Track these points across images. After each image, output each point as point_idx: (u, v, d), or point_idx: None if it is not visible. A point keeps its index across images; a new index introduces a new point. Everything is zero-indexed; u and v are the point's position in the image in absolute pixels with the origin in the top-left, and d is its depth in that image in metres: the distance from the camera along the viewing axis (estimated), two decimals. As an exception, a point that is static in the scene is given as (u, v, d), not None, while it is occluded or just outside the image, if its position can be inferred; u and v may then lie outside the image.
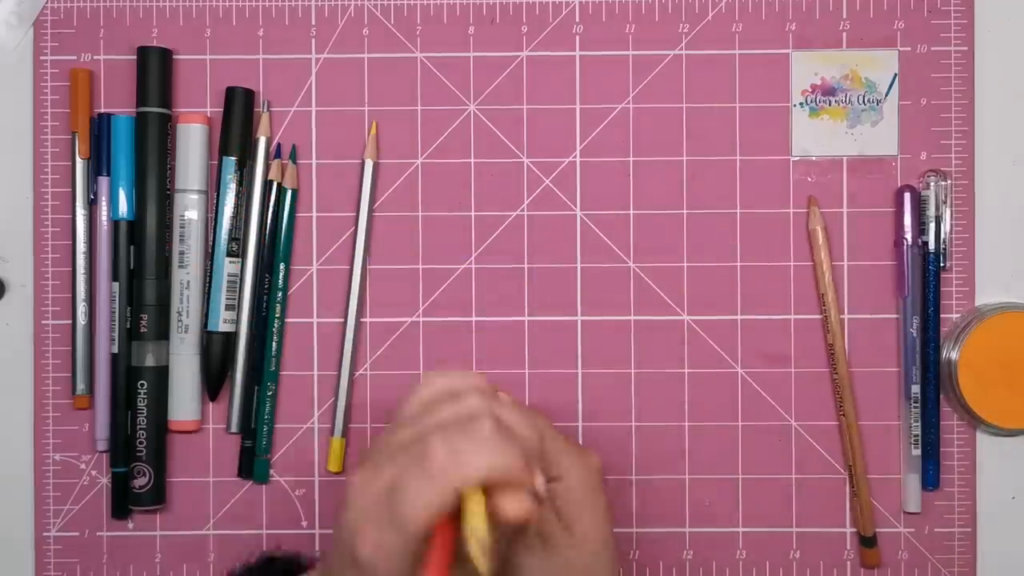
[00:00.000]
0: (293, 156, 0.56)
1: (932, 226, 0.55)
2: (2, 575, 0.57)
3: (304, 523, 0.57)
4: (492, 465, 0.38)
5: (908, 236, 0.55)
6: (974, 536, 0.56)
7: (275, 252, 0.56)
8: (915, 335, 0.55)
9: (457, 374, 0.43)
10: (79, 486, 0.57)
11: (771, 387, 0.56)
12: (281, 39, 0.57)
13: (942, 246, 0.56)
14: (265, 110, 0.56)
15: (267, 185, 0.56)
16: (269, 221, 0.56)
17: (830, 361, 0.56)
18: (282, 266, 0.56)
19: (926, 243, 0.56)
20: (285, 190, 0.56)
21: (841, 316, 0.56)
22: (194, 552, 0.57)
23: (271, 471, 0.57)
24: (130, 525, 0.57)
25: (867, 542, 0.56)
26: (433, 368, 0.57)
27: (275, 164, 0.56)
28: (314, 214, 0.57)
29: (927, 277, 0.55)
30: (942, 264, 0.56)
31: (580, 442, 0.57)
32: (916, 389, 0.55)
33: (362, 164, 0.56)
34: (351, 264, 0.56)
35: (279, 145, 0.57)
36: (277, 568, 0.50)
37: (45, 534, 0.57)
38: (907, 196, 0.55)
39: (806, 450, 0.56)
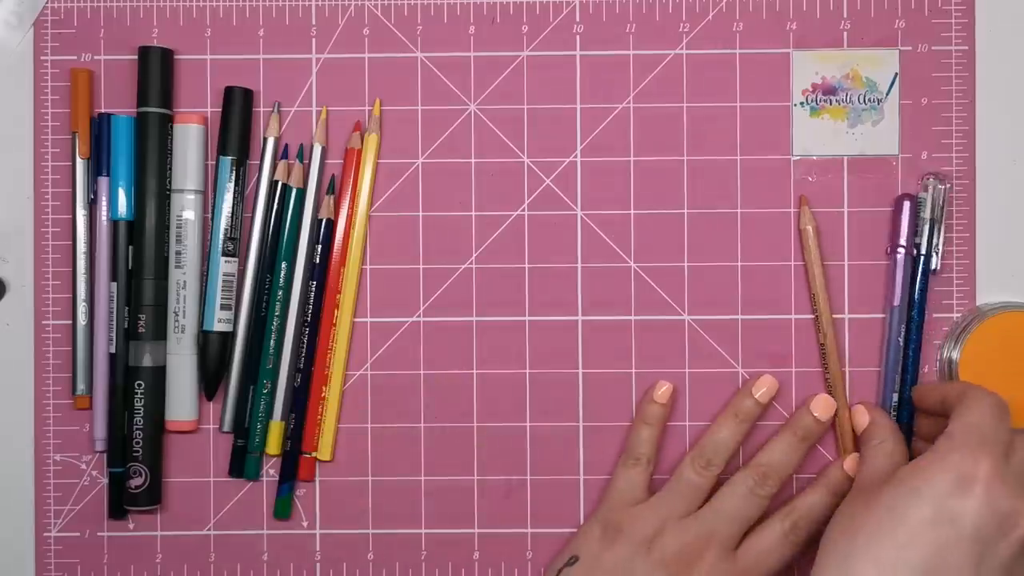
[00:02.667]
0: (300, 156, 0.56)
1: (926, 229, 0.55)
2: (2, 575, 0.57)
3: (305, 523, 0.57)
4: None
5: (903, 244, 0.55)
6: (975, 536, 0.56)
7: (277, 251, 0.56)
8: (901, 343, 0.55)
9: None
10: (79, 486, 0.57)
11: (771, 387, 0.56)
12: (281, 39, 0.57)
13: (934, 250, 0.55)
14: (276, 111, 0.56)
15: (272, 185, 0.56)
16: (273, 220, 0.56)
17: (822, 360, 0.56)
18: (283, 265, 0.56)
19: (918, 245, 0.55)
20: (290, 189, 0.56)
21: (840, 316, 0.56)
22: (194, 552, 0.57)
23: (268, 470, 0.57)
24: (130, 525, 0.57)
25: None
26: (433, 367, 0.57)
27: (281, 164, 0.56)
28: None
29: (916, 282, 0.55)
30: (934, 268, 0.55)
31: (581, 442, 0.57)
32: (895, 397, 0.55)
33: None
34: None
35: (282, 145, 0.57)
36: None
37: (45, 534, 0.57)
38: (906, 205, 0.55)
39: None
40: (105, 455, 0.56)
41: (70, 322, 0.56)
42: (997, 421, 0.47)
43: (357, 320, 0.57)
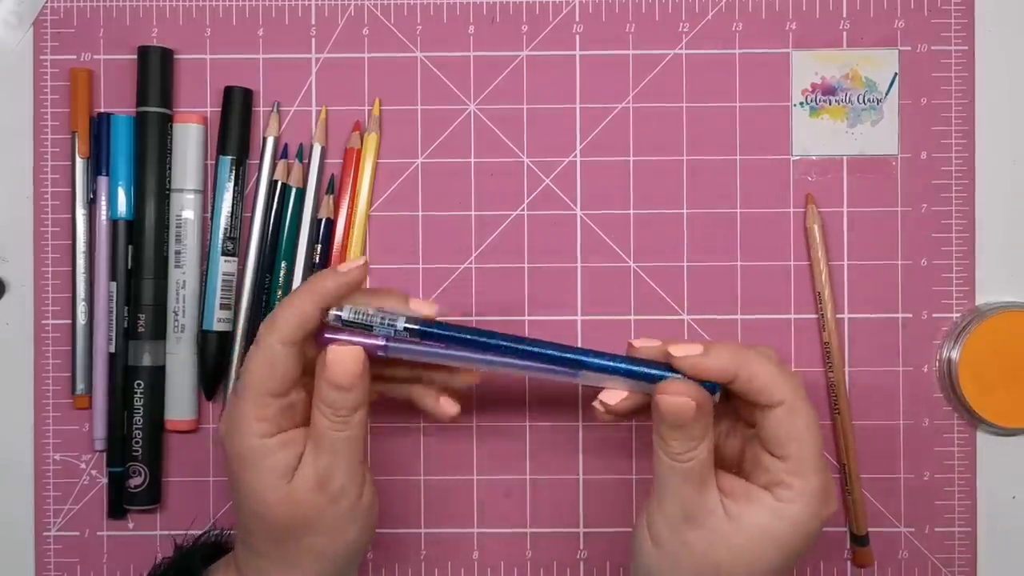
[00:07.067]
0: (300, 155, 0.56)
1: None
2: (2, 575, 0.57)
3: (304, 523, 0.57)
4: (285, 314, 0.45)
5: None
6: (974, 536, 0.56)
7: (277, 251, 0.56)
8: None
9: None
10: (79, 486, 0.57)
11: (771, 387, 0.56)
12: (281, 39, 0.57)
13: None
14: (275, 111, 0.56)
15: (272, 184, 0.56)
16: (272, 220, 0.56)
17: (825, 360, 0.56)
18: (283, 264, 0.56)
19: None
20: (290, 189, 0.56)
21: (840, 316, 0.56)
22: (194, 552, 0.57)
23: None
24: (130, 525, 0.57)
25: (859, 541, 0.56)
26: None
27: (281, 164, 0.56)
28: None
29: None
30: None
31: (580, 442, 0.57)
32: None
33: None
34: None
35: (282, 144, 0.57)
36: (196, 555, 0.50)
37: (45, 534, 0.57)
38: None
39: (806, 450, 0.56)
40: (104, 454, 0.56)
41: (70, 322, 0.56)
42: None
43: (357, 320, 0.57)
